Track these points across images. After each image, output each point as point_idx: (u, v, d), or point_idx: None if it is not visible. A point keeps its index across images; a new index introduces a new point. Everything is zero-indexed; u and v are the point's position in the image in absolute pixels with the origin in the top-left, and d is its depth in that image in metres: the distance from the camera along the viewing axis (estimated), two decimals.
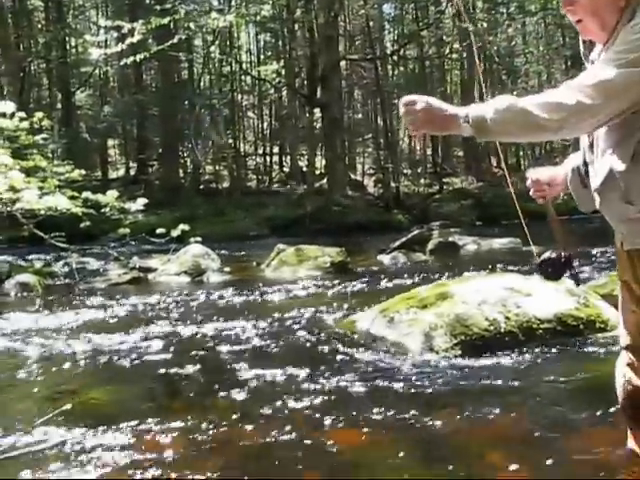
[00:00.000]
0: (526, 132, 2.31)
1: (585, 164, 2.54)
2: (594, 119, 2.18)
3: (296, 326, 6.44)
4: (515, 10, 26.95)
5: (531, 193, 2.70)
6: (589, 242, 12.10)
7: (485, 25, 25.09)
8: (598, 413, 3.75)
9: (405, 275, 9.41)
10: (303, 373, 4.79)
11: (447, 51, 27.22)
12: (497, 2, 25.56)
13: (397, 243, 12.01)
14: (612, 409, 3.74)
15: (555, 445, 3.42)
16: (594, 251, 11.04)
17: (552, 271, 2.66)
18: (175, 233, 11.52)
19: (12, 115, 6.54)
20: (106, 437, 3.68)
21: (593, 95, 2.13)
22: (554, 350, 5.15)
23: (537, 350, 5.14)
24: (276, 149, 31.58)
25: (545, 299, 5.61)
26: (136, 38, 13.21)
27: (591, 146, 2.47)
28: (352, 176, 26.33)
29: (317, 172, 25.02)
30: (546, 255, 2.70)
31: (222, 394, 4.40)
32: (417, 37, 25.92)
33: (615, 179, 2.29)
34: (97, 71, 29.10)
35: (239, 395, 4.38)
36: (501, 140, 2.58)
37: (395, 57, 28.07)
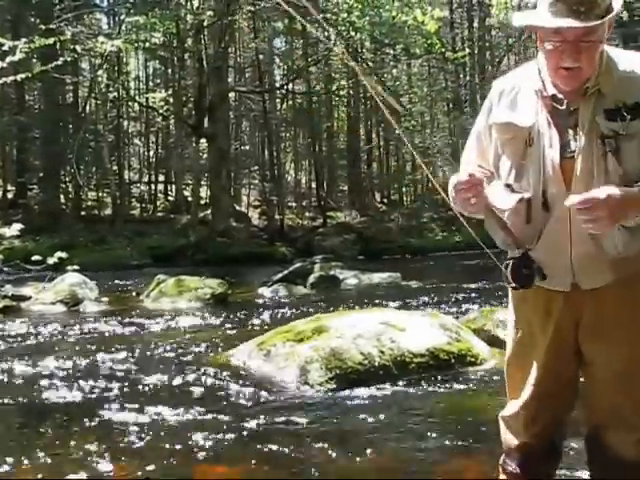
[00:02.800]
0: None
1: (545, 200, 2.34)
2: None
3: (171, 360, 6.33)
4: (401, 52, 27.84)
5: (461, 195, 2.38)
6: (463, 278, 12.54)
7: (371, 65, 25.78)
8: (467, 446, 3.90)
9: (285, 308, 9.45)
10: (174, 408, 4.70)
11: (334, 88, 27.73)
12: (384, 43, 26.27)
13: (278, 276, 12.05)
14: (478, 441, 3.87)
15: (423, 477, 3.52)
16: (466, 286, 11.42)
17: (527, 273, 2.37)
18: (52, 260, 11.20)
19: None
20: None
21: None
22: (426, 384, 5.27)
23: (410, 384, 5.26)
24: (161, 178, 31.18)
25: (419, 334, 5.75)
26: (18, 57, 12.79)
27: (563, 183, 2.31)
28: (237, 207, 26.29)
29: (202, 202, 24.87)
30: (513, 256, 2.40)
31: (91, 430, 4.28)
32: (305, 72, 26.31)
33: None
34: None
35: (108, 431, 4.26)
36: None
37: (283, 91, 28.35)
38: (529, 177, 2.34)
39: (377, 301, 9.57)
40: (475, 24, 30.02)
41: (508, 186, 2.40)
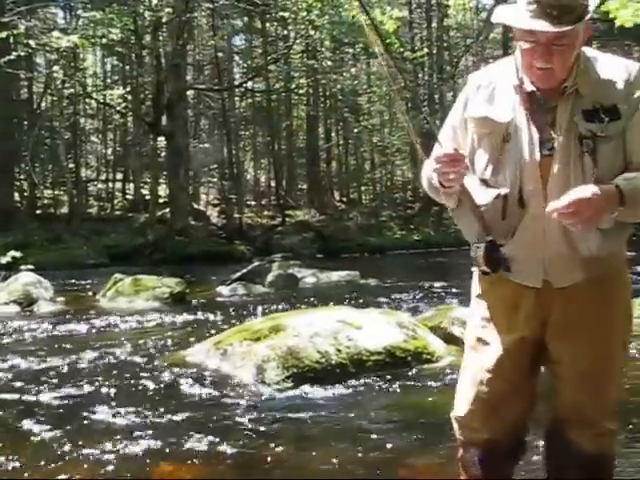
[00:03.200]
0: None
1: (520, 196, 2.34)
2: None
3: (127, 360, 6.26)
4: (360, 51, 27.93)
5: (441, 168, 2.33)
6: (420, 276, 12.62)
7: (330, 63, 25.82)
8: (423, 442, 3.94)
9: (243, 307, 9.41)
10: (131, 408, 4.67)
11: (294, 86, 27.73)
12: (343, 42, 26.38)
13: (237, 275, 12.01)
14: (436, 438, 3.90)
15: (381, 475, 3.53)
16: (423, 284, 11.49)
17: (498, 257, 2.35)
18: (5, 260, 11.05)
19: None
20: None
21: None
22: (383, 381, 5.29)
23: (367, 381, 5.28)
24: (119, 176, 30.87)
25: (376, 332, 5.78)
26: None
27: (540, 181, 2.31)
28: (196, 206, 26.14)
29: (160, 201, 24.66)
30: (487, 240, 2.36)
31: (45, 431, 4.22)
32: (264, 70, 26.25)
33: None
34: None
35: (66, 433, 4.20)
36: (628, 216, 2.29)
37: (242, 89, 28.25)
38: (506, 173, 2.34)
39: (335, 299, 9.57)
40: (434, 24, 30.24)
41: (484, 181, 2.41)
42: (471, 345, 2.59)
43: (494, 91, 2.43)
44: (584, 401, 2.44)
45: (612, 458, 2.54)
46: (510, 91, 2.39)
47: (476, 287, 2.59)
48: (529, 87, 2.35)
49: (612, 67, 2.34)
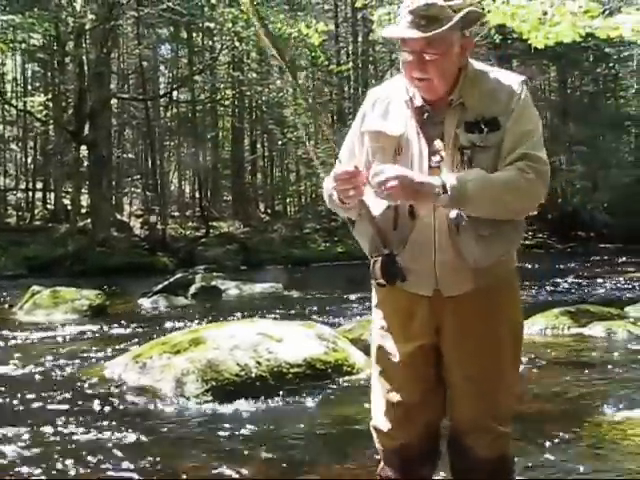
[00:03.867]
0: (516, 196, 2.34)
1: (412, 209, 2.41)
2: None
3: (42, 374, 6.14)
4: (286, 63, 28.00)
5: (340, 185, 2.40)
6: (343, 288, 12.72)
7: (256, 75, 25.83)
8: (344, 453, 3.99)
9: (164, 320, 9.33)
10: (46, 424, 4.58)
11: (219, 97, 27.64)
12: (269, 54, 26.44)
13: (159, 287, 11.87)
14: (355, 449, 3.95)
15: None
16: (346, 297, 11.59)
17: (395, 271, 2.39)
18: None
19: None
20: None
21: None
22: (303, 394, 5.33)
23: (287, 394, 5.30)
24: (40, 185, 30.13)
25: (296, 344, 5.82)
26: None
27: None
28: (118, 216, 25.71)
29: (82, 211, 24.17)
30: (381, 253, 2.42)
31: None
32: (189, 81, 26.09)
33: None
34: None
35: None
36: (478, 210, 2.34)
37: (167, 99, 28.00)
38: None
39: (258, 311, 9.58)
40: (360, 39, 30.59)
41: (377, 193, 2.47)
42: (376, 355, 2.64)
43: (389, 106, 2.52)
44: (474, 409, 2.51)
45: (510, 459, 2.61)
46: (402, 106, 2.48)
47: (374, 297, 2.65)
48: (419, 101, 2.45)
49: (497, 80, 2.44)
